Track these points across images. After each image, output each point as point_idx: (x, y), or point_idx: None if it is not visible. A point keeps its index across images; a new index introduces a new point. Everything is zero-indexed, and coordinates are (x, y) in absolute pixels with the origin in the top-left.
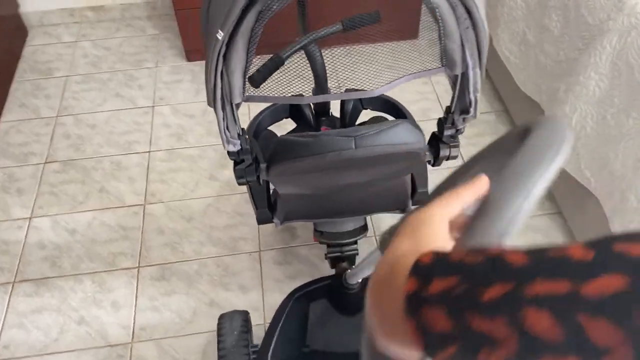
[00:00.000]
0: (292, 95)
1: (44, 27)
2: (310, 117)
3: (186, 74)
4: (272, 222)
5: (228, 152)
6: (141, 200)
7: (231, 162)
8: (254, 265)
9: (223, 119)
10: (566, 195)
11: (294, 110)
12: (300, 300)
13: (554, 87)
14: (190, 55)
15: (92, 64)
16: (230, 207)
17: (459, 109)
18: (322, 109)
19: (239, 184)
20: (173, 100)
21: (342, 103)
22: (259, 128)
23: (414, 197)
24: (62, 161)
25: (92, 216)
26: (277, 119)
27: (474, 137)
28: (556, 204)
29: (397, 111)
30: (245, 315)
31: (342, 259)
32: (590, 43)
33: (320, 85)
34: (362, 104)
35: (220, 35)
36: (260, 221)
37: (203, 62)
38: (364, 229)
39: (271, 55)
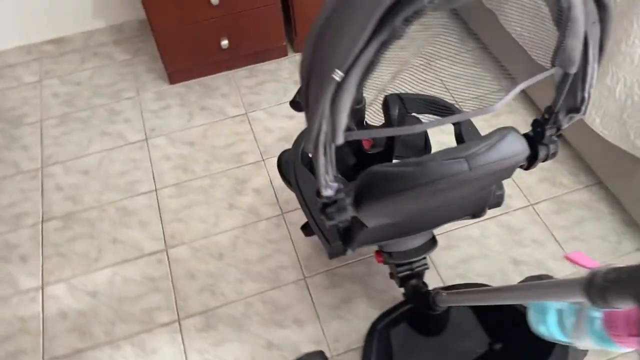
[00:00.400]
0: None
1: (0, 69)
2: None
3: (173, 98)
4: (345, 254)
5: (320, 196)
6: (161, 245)
7: (249, 188)
8: (303, 294)
9: (324, 164)
10: (608, 166)
11: None
12: (384, 332)
13: None
14: (174, 77)
15: (66, 103)
16: (260, 235)
17: (565, 107)
18: (358, 120)
19: (330, 226)
20: (166, 129)
21: (387, 109)
22: (304, 153)
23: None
24: (61, 217)
25: (112, 272)
26: None
27: (491, 119)
28: (594, 176)
29: (448, 110)
30: (322, 356)
31: (412, 277)
32: (631, 9)
33: (357, 98)
34: (406, 108)
35: (338, 76)
36: (333, 255)
37: (188, 83)
38: (433, 241)
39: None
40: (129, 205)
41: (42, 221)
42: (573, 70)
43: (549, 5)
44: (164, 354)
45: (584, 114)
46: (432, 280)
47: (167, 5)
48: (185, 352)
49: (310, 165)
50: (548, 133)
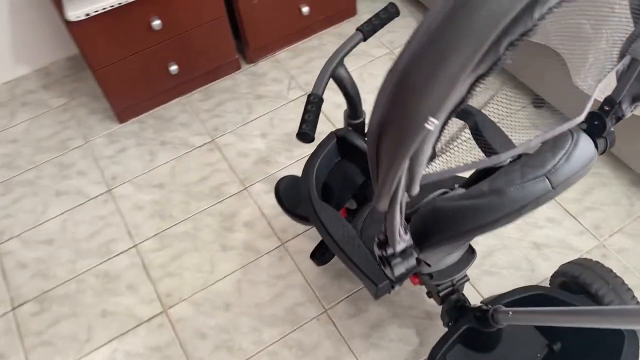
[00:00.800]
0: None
1: None
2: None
3: (127, 139)
4: (391, 292)
5: (385, 248)
6: (158, 307)
7: (238, 222)
8: (329, 329)
9: (399, 219)
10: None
11: (346, 149)
12: None
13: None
14: (123, 115)
15: (6, 166)
16: (264, 273)
17: (630, 96)
18: (363, 131)
19: (400, 279)
20: (129, 175)
21: None
22: (317, 181)
23: None
24: (34, 299)
25: (111, 350)
26: (330, 164)
27: None
28: None
29: (463, 110)
30: None
31: (452, 292)
32: None
33: (355, 108)
34: None
35: (433, 125)
36: (380, 295)
37: (140, 118)
38: (472, 251)
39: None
40: (109, 269)
41: (14, 308)
42: None
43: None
44: None
45: None
46: None
47: (103, 37)
48: None
49: (324, 196)
50: (608, 125)
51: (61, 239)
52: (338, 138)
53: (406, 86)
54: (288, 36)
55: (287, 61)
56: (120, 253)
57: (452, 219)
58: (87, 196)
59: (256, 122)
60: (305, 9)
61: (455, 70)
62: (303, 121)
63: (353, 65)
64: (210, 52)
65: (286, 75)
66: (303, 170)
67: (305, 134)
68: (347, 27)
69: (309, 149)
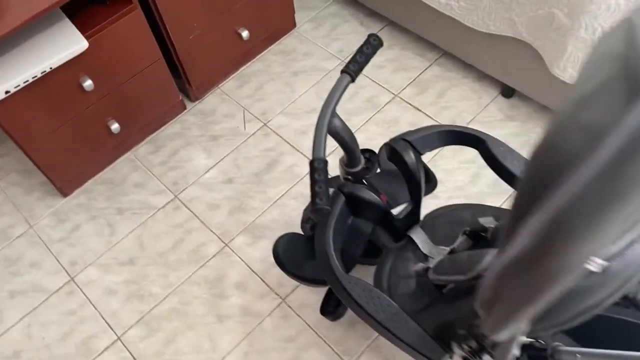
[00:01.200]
0: None
1: None
2: (381, 202)
3: (77, 214)
4: None
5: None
6: None
7: (229, 286)
8: None
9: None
10: (450, 37)
11: (353, 204)
12: None
13: (540, 14)
14: (66, 188)
15: None
16: (271, 338)
17: None
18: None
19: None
20: (90, 257)
21: (399, 158)
22: (336, 251)
23: None
24: None
25: None
26: (344, 226)
27: (439, 100)
28: (438, 50)
29: (471, 138)
30: None
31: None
32: None
33: (353, 156)
34: (418, 149)
35: (595, 265)
36: None
37: (86, 187)
38: None
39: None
40: None
41: None
42: None
43: None
44: None
45: None
46: None
47: (30, 111)
48: None
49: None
50: None
51: (30, 349)
52: (345, 195)
53: (564, 230)
54: (231, 64)
55: (235, 91)
56: (104, 350)
57: (549, 306)
58: (47, 291)
59: (218, 167)
60: (244, 33)
61: (631, 210)
62: (314, 194)
63: (308, 83)
64: (152, 99)
65: (238, 107)
66: (316, 243)
67: (321, 210)
68: (289, 42)
69: (285, 186)
